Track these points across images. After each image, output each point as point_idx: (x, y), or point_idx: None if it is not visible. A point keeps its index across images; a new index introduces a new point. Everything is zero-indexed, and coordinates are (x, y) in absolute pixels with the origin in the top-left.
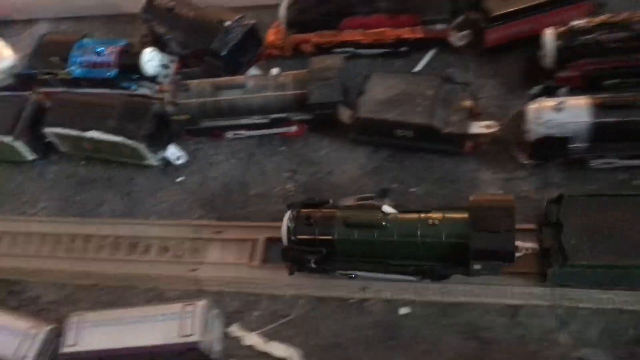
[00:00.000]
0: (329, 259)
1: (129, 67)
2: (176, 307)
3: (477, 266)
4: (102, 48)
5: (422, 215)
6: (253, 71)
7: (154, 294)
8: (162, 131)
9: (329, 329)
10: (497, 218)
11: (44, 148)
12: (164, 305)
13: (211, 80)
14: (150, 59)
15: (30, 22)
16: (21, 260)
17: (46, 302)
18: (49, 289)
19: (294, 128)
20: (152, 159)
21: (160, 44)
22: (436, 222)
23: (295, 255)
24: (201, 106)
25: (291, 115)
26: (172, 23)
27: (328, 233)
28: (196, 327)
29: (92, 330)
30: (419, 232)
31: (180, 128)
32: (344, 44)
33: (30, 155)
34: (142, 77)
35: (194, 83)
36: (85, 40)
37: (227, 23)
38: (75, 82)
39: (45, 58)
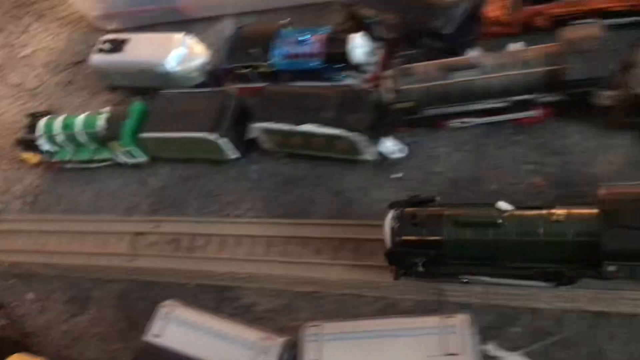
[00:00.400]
0: (438, 262)
1: (336, 55)
2: (433, 320)
3: (611, 268)
4: (307, 36)
5: (545, 211)
6: (473, 52)
7: (384, 304)
8: (379, 123)
9: (617, 353)
10: (634, 212)
11: (245, 146)
12: (414, 317)
13: (438, 62)
14: (360, 46)
15: (213, 19)
16: (232, 265)
17: (262, 310)
18: (264, 296)
19: (534, 113)
20: (369, 154)
21: (362, 30)
22: (561, 218)
23: (401, 258)
24: (427, 92)
25: (538, 97)
26: (382, 4)
27: (436, 233)
28: (461, 344)
29: (334, 344)
30: (541, 230)
31: (398, 118)
32: (589, 13)
33: (232, 154)
34: (348, 66)
35: (418, 66)
36: (285, 31)
37: None
38: (276, 75)
39: (243, 52)
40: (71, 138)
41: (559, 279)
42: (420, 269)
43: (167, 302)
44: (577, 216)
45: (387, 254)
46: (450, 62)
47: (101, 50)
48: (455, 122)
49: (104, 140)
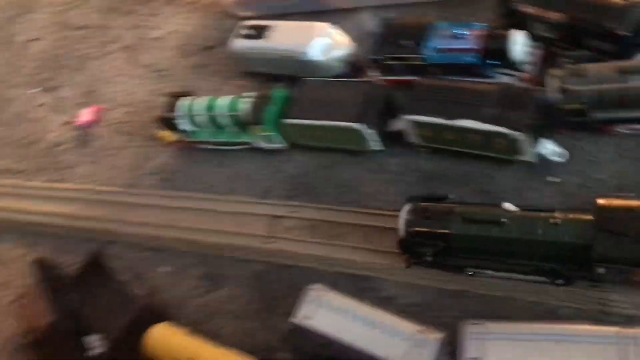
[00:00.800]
0: (446, 254)
1: (494, 51)
2: (610, 330)
3: (601, 270)
4: (464, 31)
5: (544, 214)
6: None
7: (542, 310)
8: (543, 123)
9: None
10: (626, 220)
11: (387, 138)
12: (585, 325)
13: (614, 64)
14: (521, 43)
15: (351, 11)
16: (374, 256)
17: (405, 303)
18: (406, 289)
19: None
20: (528, 155)
21: (520, 27)
22: (558, 221)
23: (413, 248)
24: (599, 94)
25: None
26: (547, 1)
27: (445, 227)
28: None
29: (498, 343)
30: (539, 231)
31: (563, 120)
32: None
33: (376, 145)
34: (505, 64)
35: (590, 67)
36: (440, 24)
37: None
38: (424, 68)
39: (394, 43)
40: (213, 119)
41: (555, 277)
42: (429, 259)
43: (316, 286)
44: (573, 221)
45: (399, 242)
46: (628, 65)
47: (243, 36)
48: (623, 128)
49: (245, 124)
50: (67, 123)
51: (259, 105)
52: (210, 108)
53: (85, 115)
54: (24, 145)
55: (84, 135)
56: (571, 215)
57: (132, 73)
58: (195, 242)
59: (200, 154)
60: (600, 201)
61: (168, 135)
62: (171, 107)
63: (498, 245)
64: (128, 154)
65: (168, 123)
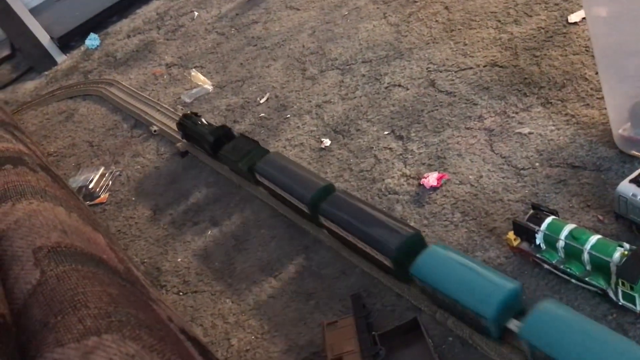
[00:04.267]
0: None
1: None
2: None
3: None
4: None
5: None
6: None
7: None
8: None
9: None
10: None
11: None
12: None
13: None
14: None
15: None
16: None
17: None
18: None
19: None
20: None
21: None
22: None
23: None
24: None
25: None
26: None
27: None
28: None
29: None
30: None
31: None
32: None
33: None
34: None
35: None
36: None
37: None
38: None
39: None
40: (570, 248)
41: None
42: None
43: None
44: None
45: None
46: None
47: (635, 182)
48: None
49: (609, 271)
50: (408, 177)
51: (638, 262)
52: (575, 238)
53: (432, 178)
54: (363, 178)
55: (422, 196)
56: None
57: (486, 157)
58: None
59: (536, 270)
60: None
61: (514, 239)
62: (536, 220)
63: None
64: (459, 233)
65: (524, 232)
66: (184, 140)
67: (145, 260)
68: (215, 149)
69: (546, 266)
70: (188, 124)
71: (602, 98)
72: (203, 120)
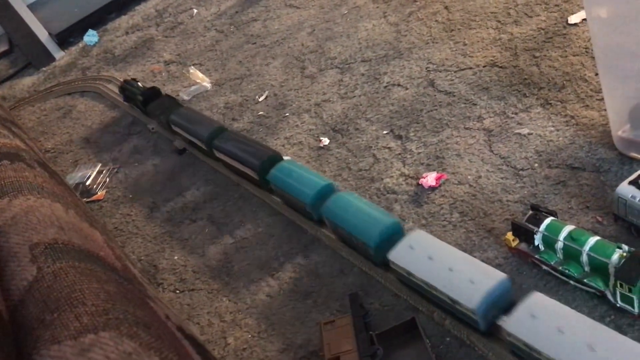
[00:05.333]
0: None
1: None
2: None
3: None
4: None
5: None
6: None
7: None
8: None
9: None
10: None
11: None
12: None
13: None
14: None
15: None
16: None
17: None
18: None
19: None
20: None
21: None
22: None
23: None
24: None
25: None
26: None
27: None
28: None
29: None
30: None
31: None
32: None
33: None
34: None
35: None
36: None
37: None
38: None
39: None
40: (569, 249)
41: None
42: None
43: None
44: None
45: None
46: None
47: (634, 184)
48: None
49: (608, 273)
50: (407, 176)
51: (636, 264)
52: (573, 240)
53: (431, 178)
54: (362, 177)
55: (420, 195)
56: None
57: (485, 157)
58: None
59: (535, 271)
60: None
61: (512, 239)
62: (535, 220)
63: None
64: (457, 233)
65: (523, 232)
66: (125, 102)
67: (142, 258)
68: (145, 106)
69: (545, 267)
70: (127, 87)
71: (602, 99)
72: (139, 84)
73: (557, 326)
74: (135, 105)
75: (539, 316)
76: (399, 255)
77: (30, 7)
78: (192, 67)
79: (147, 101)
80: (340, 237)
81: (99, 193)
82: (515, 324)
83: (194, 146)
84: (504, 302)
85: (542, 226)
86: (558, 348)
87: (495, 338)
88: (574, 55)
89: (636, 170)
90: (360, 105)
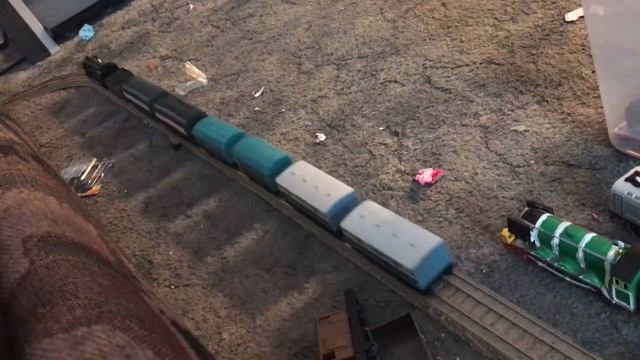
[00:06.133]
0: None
1: None
2: None
3: None
4: None
5: None
6: None
7: None
8: None
9: None
10: None
11: None
12: None
13: None
14: None
15: None
16: None
17: None
18: None
19: None
20: None
21: None
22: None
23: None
24: None
25: None
26: None
27: None
28: None
29: None
30: None
31: None
32: None
33: None
34: None
35: None
36: None
37: None
38: None
39: None
40: (564, 246)
41: None
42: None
43: None
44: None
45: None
46: None
47: (631, 180)
48: None
49: (604, 270)
50: (402, 172)
51: (632, 260)
52: (569, 236)
53: (427, 175)
54: (358, 173)
55: (416, 192)
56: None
57: (481, 154)
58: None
59: (530, 267)
60: None
61: (508, 236)
62: (530, 217)
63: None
64: (453, 230)
65: (518, 229)
66: (88, 77)
67: (137, 253)
68: (103, 79)
69: (540, 264)
70: (88, 64)
71: (599, 97)
72: (99, 61)
73: (375, 223)
74: (95, 78)
75: (365, 217)
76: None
77: (26, 1)
78: (188, 62)
79: (104, 75)
80: (250, 176)
81: (93, 188)
82: (348, 223)
83: (141, 110)
84: (441, 263)
85: (538, 223)
86: (373, 237)
87: (434, 296)
88: (570, 53)
89: (632, 168)
90: (357, 101)
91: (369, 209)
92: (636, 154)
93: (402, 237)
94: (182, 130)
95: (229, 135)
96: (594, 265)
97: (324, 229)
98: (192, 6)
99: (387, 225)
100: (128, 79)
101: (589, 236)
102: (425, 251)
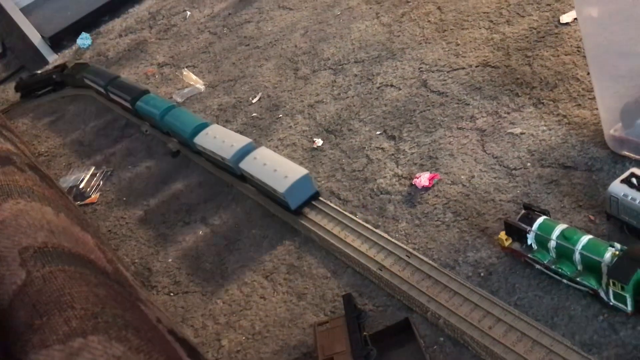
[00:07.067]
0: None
1: None
2: None
3: None
4: None
5: None
6: None
7: None
8: None
9: None
10: None
11: None
12: None
13: None
14: None
15: None
16: None
17: None
18: None
19: None
20: None
21: None
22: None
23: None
24: None
25: None
26: None
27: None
28: None
29: None
30: None
31: None
32: None
33: None
34: None
35: None
36: None
37: None
38: None
39: None
40: (561, 248)
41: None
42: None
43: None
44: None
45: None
46: None
47: (627, 181)
48: None
49: (600, 272)
50: (400, 177)
51: (629, 262)
52: (566, 238)
53: (424, 178)
54: (355, 178)
55: (414, 195)
56: None
57: (478, 157)
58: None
59: (528, 270)
60: None
61: (505, 239)
62: (527, 220)
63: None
64: (450, 233)
65: (515, 232)
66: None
67: (136, 261)
68: (63, 81)
69: (538, 266)
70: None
71: (594, 98)
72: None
73: (263, 163)
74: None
75: (258, 159)
76: (246, 164)
77: (24, 10)
78: (186, 69)
79: (64, 77)
80: (175, 137)
81: (92, 196)
82: (244, 164)
83: (98, 93)
84: (307, 191)
85: (535, 225)
86: (260, 173)
87: (301, 215)
88: (565, 55)
89: (628, 169)
90: (354, 106)
91: (262, 154)
92: (632, 155)
93: (280, 171)
94: (128, 105)
95: (163, 107)
96: (591, 267)
97: (228, 173)
98: (189, 13)
99: (271, 164)
100: (86, 68)
101: (585, 238)
102: (293, 180)
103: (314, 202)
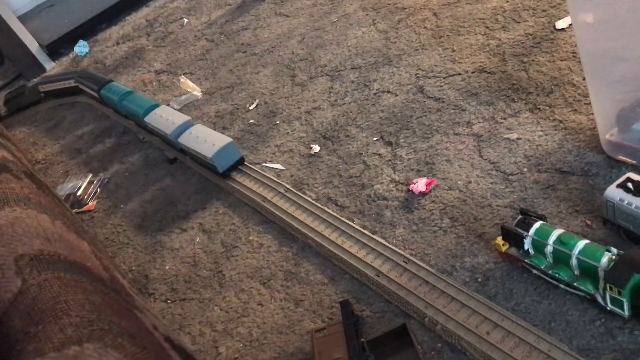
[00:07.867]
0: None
1: None
2: None
3: None
4: None
5: None
6: None
7: None
8: None
9: None
10: None
11: None
12: None
13: None
14: None
15: None
16: None
17: None
18: None
19: None
20: None
21: None
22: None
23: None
24: None
25: None
26: None
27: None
28: None
29: None
30: None
31: None
32: None
33: None
34: None
35: None
36: None
37: None
38: None
39: None
40: (558, 253)
41: None
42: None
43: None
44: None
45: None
46: None
47: (623, 186)
48: None
49: (597, 277)
50: (397, 182)
51: (625, 267)
52: (563, 244)
53: (421, 184)
54: (352, 184)
55: (411, 201)
56: None
57: (474, 163)
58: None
59: (525, 275)
60: None
61: (502, 244)
62: (524, 225)
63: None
64: (447, 239)
65: (512, 237)
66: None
67: (133, 268)
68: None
69: (535, 271)
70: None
71: (590, 103)
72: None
73: (197, 136)
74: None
75: (193, 132)
76: (184, 138)
77: (21, 18)
78: (183, 76)
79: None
80: (131, 119)
81: (89, 204)
82: (182, 139)
83: (69, 89)
84: (233, 157)
85: (532, 230)
86: (193, 144)
87: (229, 178)
88: (561, 60)
89: (624, 174)
90: (351, 112)
91: (197, 129)
92: (628, 160)
93: (209, 141)
94: (94, 93)
95: (120, 92)
96: (588, 272)
97: (168, 145)
98: (186, 20)
99: (202, 136)
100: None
101: (582, 243)
102: (219, 147)
103: (240, 167)
